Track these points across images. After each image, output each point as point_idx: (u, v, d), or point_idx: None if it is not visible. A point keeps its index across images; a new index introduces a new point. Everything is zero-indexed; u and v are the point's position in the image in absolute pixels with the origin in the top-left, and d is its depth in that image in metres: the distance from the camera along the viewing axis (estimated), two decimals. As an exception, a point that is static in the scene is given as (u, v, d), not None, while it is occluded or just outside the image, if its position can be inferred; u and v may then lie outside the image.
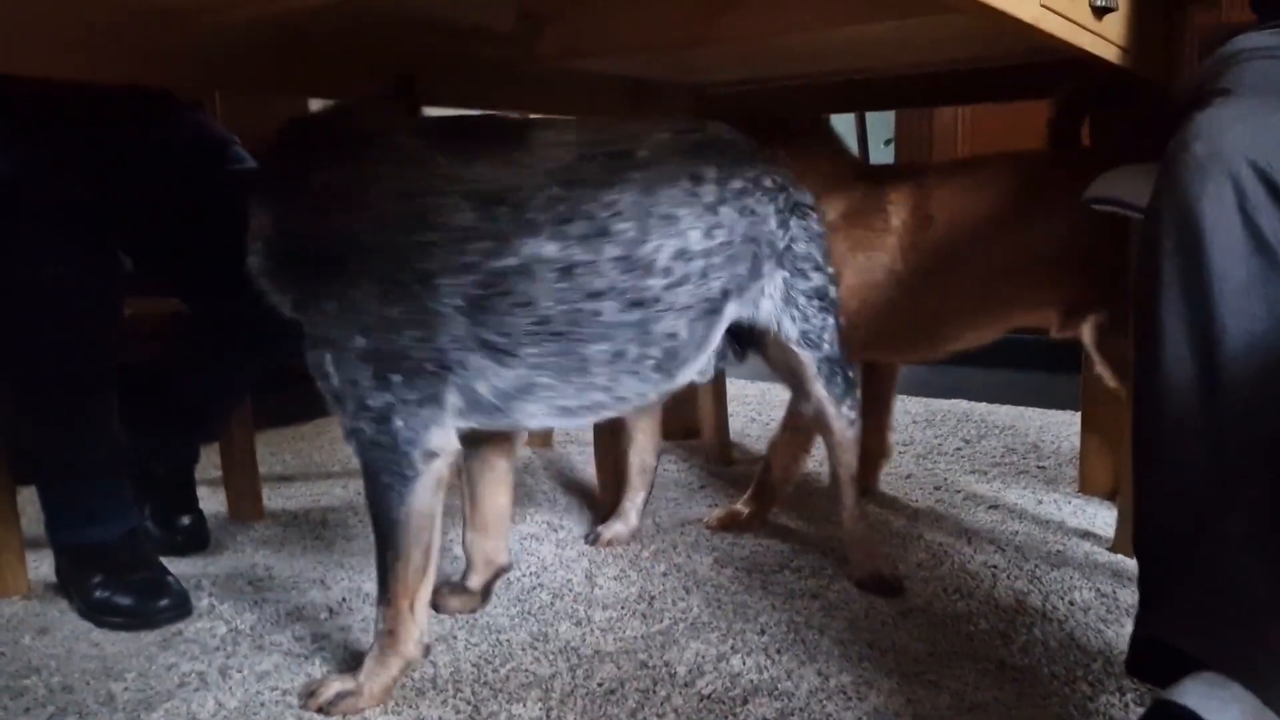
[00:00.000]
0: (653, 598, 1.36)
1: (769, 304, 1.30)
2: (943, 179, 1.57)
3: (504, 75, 1.43)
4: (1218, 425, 0.83)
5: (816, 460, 2.03)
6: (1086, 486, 1.79)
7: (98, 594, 1.33)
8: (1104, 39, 1.19)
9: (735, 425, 2.31)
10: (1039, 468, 1.96)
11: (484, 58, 1.53)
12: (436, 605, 1.31)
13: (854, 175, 1.62)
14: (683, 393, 2.14)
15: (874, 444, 1.77)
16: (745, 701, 1.08)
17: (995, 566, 1.44)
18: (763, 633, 1.25)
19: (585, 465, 2.02)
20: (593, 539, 1.58)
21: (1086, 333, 1.63)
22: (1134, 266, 0.90)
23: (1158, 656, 0.86)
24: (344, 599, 1.38)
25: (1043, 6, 1.00)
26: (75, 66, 1.07)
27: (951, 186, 1.54)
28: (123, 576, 1.34)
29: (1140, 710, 1.02)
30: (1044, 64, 1.66)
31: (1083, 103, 1.61)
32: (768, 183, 1.26)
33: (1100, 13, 1.15)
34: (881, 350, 1.66)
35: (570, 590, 1.39)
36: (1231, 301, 0.81)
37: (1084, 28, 1.13)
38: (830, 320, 1.35)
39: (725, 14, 1.21)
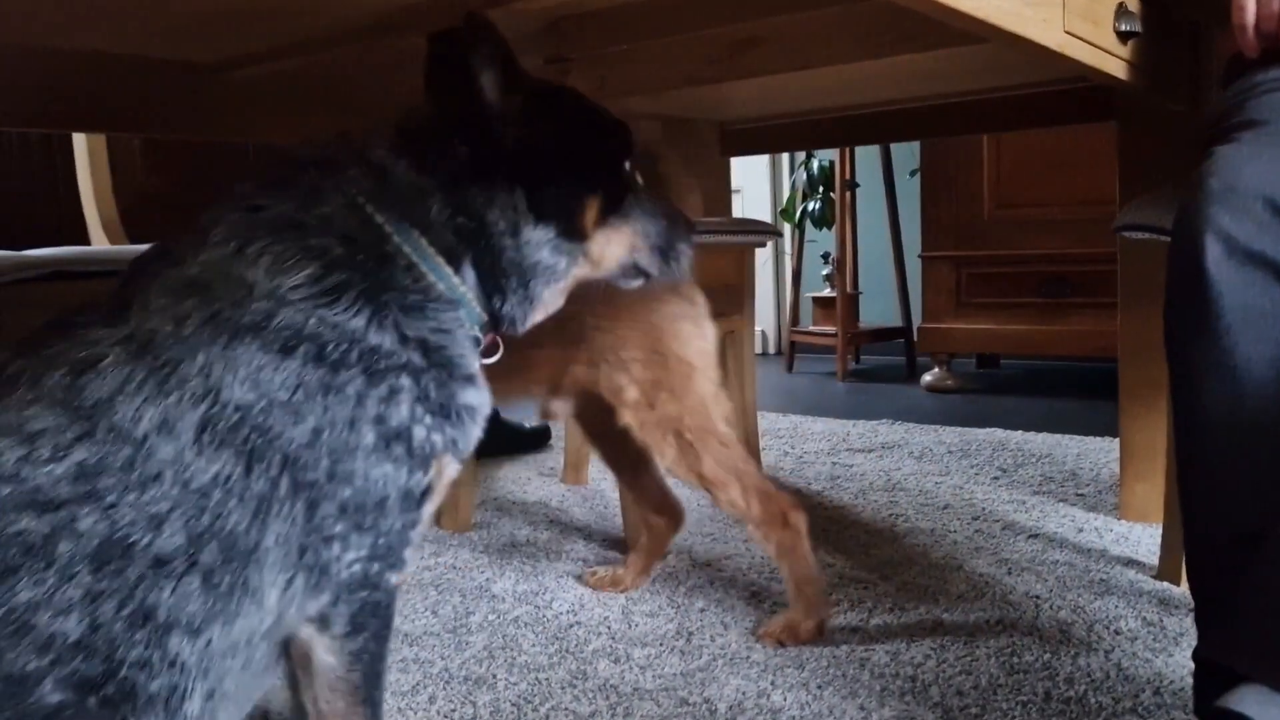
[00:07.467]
0: (691, 634, 1.35)
1: None
2: None
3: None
4: (1253, 447, 0.85)
5: (852, 494, 2.02)
6: (1128, 513, 1.76)
7: None
8: (1129, 63, 1.20)
9: (768, 459, 2.30)
10: (1078, 495, 1.93)
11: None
12: None
13: None
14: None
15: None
16: (787, 738, 1.07)
17: (1037, 597, 1.42)
18: (802, 668, 1.23)
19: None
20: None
21: (564, 407, 1.46)
22: (1166, 293, 0.92)
23: (1220, 675, 0.87)
24: (418, 683, 1.29)
25: (1067, 33, 1.01)
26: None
27: None
28: None
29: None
30: (1069, 91, 1.66)
31: None
32: None
33: (1125, 37, 1.16)
34: None
35: (608, 627, 1.39)
36: (1255, 329, 0.84)
37: (1109, 53, 1.14)
38: None
39: (748, 51, 1.23)
